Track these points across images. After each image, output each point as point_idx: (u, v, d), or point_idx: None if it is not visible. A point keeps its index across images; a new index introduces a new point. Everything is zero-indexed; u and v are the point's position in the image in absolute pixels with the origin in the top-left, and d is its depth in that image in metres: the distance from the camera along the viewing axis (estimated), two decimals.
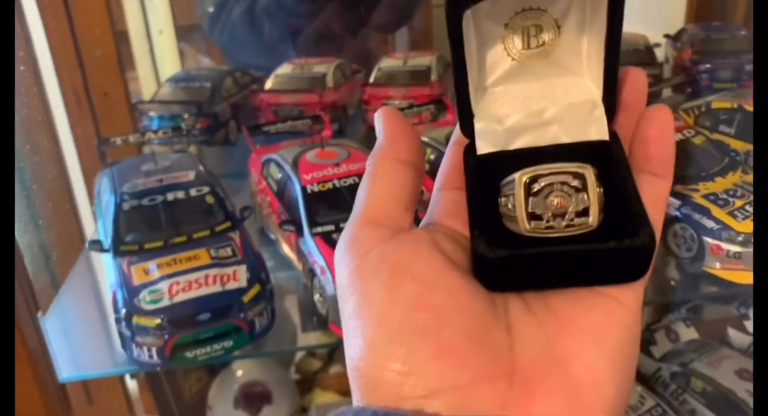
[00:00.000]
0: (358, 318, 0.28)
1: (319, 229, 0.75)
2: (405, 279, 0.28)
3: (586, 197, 0.28)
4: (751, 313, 1.19)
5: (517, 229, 0.29)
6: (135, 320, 0.66)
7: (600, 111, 0.32)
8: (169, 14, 1.47)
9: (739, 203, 0.78)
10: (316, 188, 0.79)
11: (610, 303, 0.28)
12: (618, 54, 0.31)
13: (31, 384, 0.66)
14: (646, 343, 1.21)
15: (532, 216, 0.28)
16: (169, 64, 1.46)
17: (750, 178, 0.83)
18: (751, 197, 0.79)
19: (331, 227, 0.75)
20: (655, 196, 0.30)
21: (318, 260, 0.72)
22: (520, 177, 0.29)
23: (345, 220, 0.78)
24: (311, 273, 0.74)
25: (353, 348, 0.28)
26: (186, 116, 1.09)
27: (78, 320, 0.80)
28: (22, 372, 0.65)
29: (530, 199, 0.29)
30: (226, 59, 1.55)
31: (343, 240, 0.30)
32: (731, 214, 0.77)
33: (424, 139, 0.87)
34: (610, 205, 0.29)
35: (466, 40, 0.31)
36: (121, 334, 0.68)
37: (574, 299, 0.29)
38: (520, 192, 0.29)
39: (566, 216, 0.28)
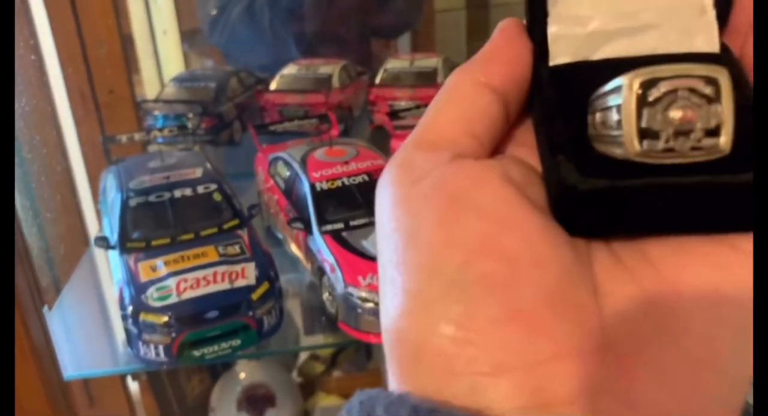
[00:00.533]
0: (401, 263, 0.22)
1: (328, 227, 0.74)
2: (467, 214, 0.22)
3: (719, 109, 0.21)
4: None
5: (621, 153, 0.22)
6: (142, 317, 0.65)
7: (710, 16, 0.25)
8: (174, 16, 1.47)
9: None
10: (325, 186, 0.78)
11: (728, 253, 0.22)
12: None
13: (35, 381, 0.65)
14: None
15: (647, 133, 0.21)
16: (173, 66, 1.46)
17: None
18: None
19: (341, 225, 0.74)
20: None
21: (327, 259, 0.71)
22: (632, 80, 0.22)
23: (355, 218, 0.77)
24: (320, 271, 0.73)
25: (392, 305, 0.22)
26: (191, 115, 1.09)
27: (82, 318, 0.79)
28: (26, 369, 0.64)
29: (644, 110, 0.21)
30: (228, 62, 1.55)
31: (389, 166, 0.24)
32: None
33: None
34: (740, 126, 0.22)
35: None
36: (127, 331, 0.67)
37: (678, 246, 0.22)
38: (630, 100, 0.21)
39: (692, 135, 0.21)
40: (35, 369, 0.63)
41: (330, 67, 1.22)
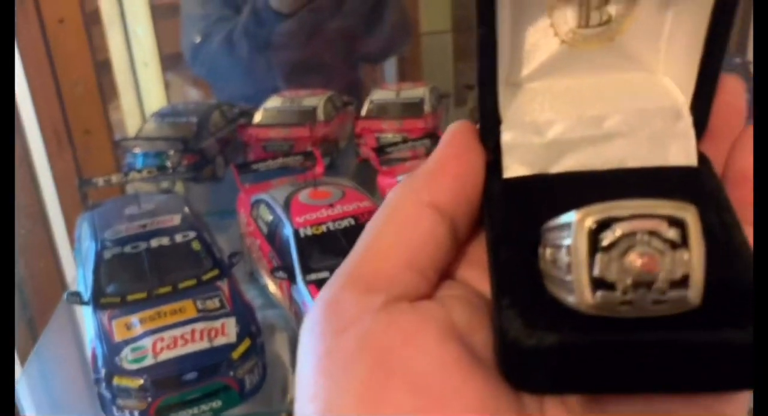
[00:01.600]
0: None
1: (313, 276, 0.71)
2: (396, 385, 0.19)
3: (686, 257, 0.18)
4: None
5: (573, 301, 0.19)
6: (116, 381, 0.61)
7: (686, 123, 0.22)
8: (154, 46, 1.45)
9: None
10: (309, 232, 0.75)
11: (700, 413, 0.20)
12: (725, 45, 0.21)
13: None
14: None
15: (601, 284, 0.18)
16: (155, 98, 1.43)
17: None
18: None
19: (327, 274, 0.70)
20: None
21: None
22: (583, 219, 0.19)
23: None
24: None
25: None
26: (172, 152, 1.06)
27: (57, 376, 0.75)
28: None
29: (597, 256, 0.18)
30: (212, 90, 1.53)
31: (317, 304, 0.21)
32: None
33: None
34: (713, 269, 0.19)
35: (501, 14, 0.22)
36: (100, 396, 0.63)
37: (641, 404, 0.20)
38: (582, 244, 0.18)
39: (655, 287, 0.18)
40: None
41: (315, 99, 1.19)
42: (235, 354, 0.64)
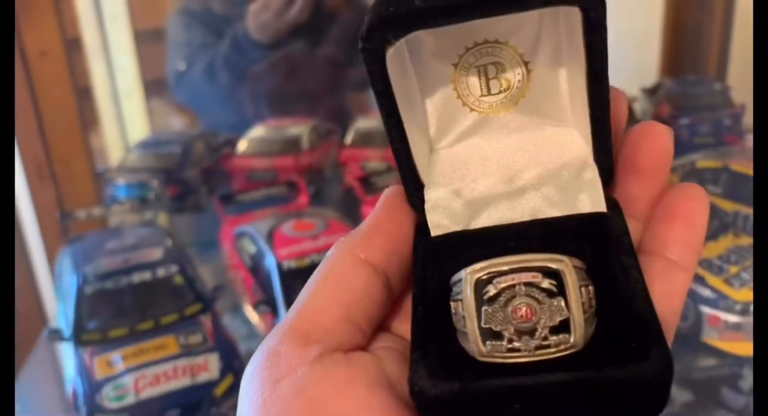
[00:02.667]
0: None
1: None
2: None
3: (563, 304, 0.20)
4: (744, 372, 1.16)
5: (470, 350, 0.21)
6: None
7: (592, 173, 0.24)
8: (138, 74, 1.45)
9: (733, 269, 0.75)
10: (293, 265, 0.74)
11: None
12: (607, 96, 0.23)
13: None
14: None
15: (489, 334, 0.21)
16: (138, 127, 1.43)
17: (742, 241, 0.81)
18: (746, 263, 0.76)
19: None
20: (670, 293, 0.23)
21: None
22: (469, 275, 0.21)
23: None
24: None
25: None
26: (155, 183, 1.05)
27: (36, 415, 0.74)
28: None
29: (484, 309, 0.21)
30: (197, 116, 1.53)
31: (256, 356, 0.23)
32: (727, 282, 0.74)
33: None
34: (607, 308, 0.21)
35: (402, 85, 0.23)
36: None
37: None
38: (469, 299, 0.21)
39: (537, 333, 0.20)
40: None
41: (299, 128, 1.19)
42: (218, 391, 0.63)
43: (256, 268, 0.79)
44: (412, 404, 0.21)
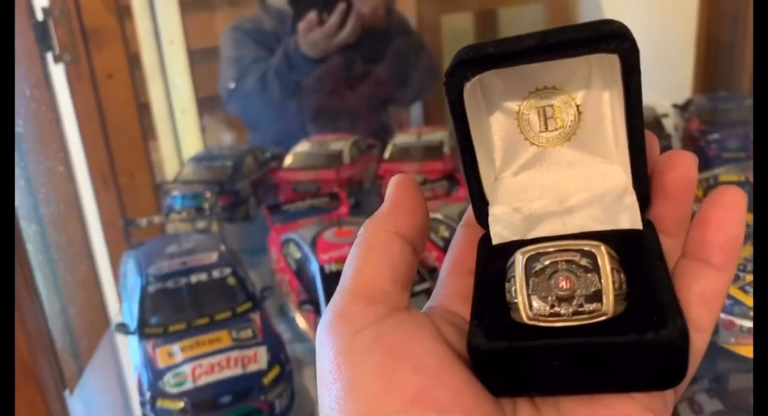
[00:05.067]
0: (341, 411, 0.24)
1: None
2: (404, 367, 0.24)
3: (597, 278, 0.25)
4: None
5: (519, 316, 0.25)
6: (159, 403, 0.68)
7: (631, 198, 0.28)
8: (191, 92, 1.54)
9: (749, 278, 0.79)
10: (334, 268, 0.81)
11: (630, 406, 0.25)
12: (642, 137, 0.27)
13: None
14: None
15: (535, 300, 0.25)
16: (192, 142, 1.52)
17: None
18: None
19: None
20: (705, 291, 0.25)
21: None
22: (521, 255, 0.26)
23: None
24: None
25: None
26: (208, 194, 1.13)
27: (102, 402, 0.82)
28: None
29: (532, 280, 0.25)
30: (247, 131, 1.60)
31: (328, 317, 0.26)
32: (742, 289, 0.78)
33: (437, 216, 0.90)
34: (635, 295, 0.25)
35: (475, 119, 0.28)
36: None
37: (587, 400, 0.25)
38: (519, 272, 0.26)
39: (574, 300, 0.25)
40: None
41: (341, 143, 1.27)
42: (266, 380, 0.70)
43: (300, 271, 0.86)
44: (465, 359, 0.25)
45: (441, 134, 1.27)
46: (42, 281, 0.85)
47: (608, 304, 0.24)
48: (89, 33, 0.98)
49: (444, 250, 0.88)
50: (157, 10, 1.44)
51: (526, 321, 0.25)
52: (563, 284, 0.25)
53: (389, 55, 1.44)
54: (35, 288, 0.65)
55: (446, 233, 0.89)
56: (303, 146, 1.27)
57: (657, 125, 1.29)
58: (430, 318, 0.27)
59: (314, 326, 0.80)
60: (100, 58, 1.02)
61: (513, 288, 0.26)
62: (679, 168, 0.27)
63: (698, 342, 0.25)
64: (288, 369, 0.73)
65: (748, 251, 0.85)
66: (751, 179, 0.95)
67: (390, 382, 0.24)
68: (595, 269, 0.25)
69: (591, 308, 0.24)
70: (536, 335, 0.25)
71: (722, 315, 0.77)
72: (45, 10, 0.92)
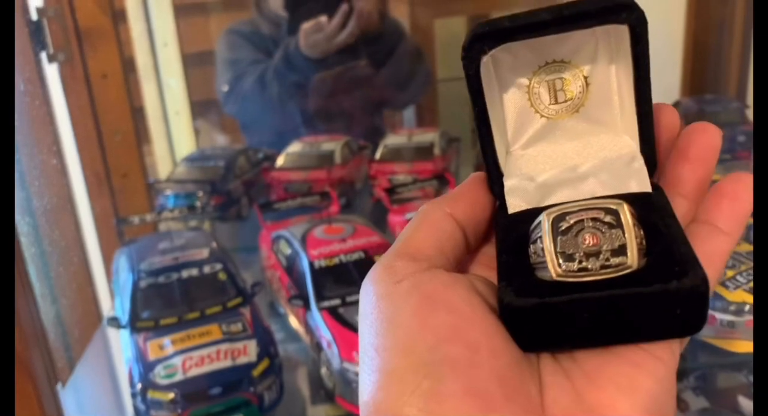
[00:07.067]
0: (380, 345, 0.26)
1: (325, 303, 0.78)
2: (439, 309, 0.26)
3: (621, 233, 0.26)
4: None
5: (549, 276, 0.26)
6: (150, 394, 0.69)
7: (639, 163, 0.29)
8: (185, 95, 1.55)
9: (730, 273, 0.81)
10: (323, 264, 0.82)
11: (641, 354, 0.26)
12: (650, 104, 0.29)
13: None
14: None
15: (563, 257, 0.26)
16: (185, 144, 1.53)
17: (741, 248, 0.86)
18: (742, 267, 0.82)
19: (338, 302, 0.78)
20: (712, 252, 0.27)
21: (324, 335, 0.75)
22: (547, 216, 0.27)
23: (351, 294, 0.81)
24: (318, 347, 0.77)
25: (369, 380, 0.25)
26: (200, 194, 1.15)
27: (93, 394, 0.83)
28: None
29: (559, 238, 0.26)
30: (242, 132, 1.61)
31: (375, 267, 0.28)
32: (722, 285, 0.79)
33: None
34: (654, 251, 0.26)
35: (488, 94, 0.29)
36: (136, 408, 0.71)
37: (601, 350, 0.27)
38: (547, 231, 0.27)
39: (601, 256, 0.26)
40: None
41: (332, 144, 1.28)
42: (256, 372, 0.71)
43: (290, 267, 0.87)
44: (497, 312, 0.27)
45: (432, 135, 1.29)
46: (34, 273, 0.86)
47: (633, 257, 0.25)
48: (83, 33, 1.00)
49: None
50: (151, 13, 1.45)
51: (555, 277, 0.26)
52: (590, 240, 0.26)
53: (391, 61, 1.46)
54: (29, 281, 0.66)
55: None
56: (295, 147, 1.29)
57: None
58: (465, 275, 0.29)
59: (303, 321, 0.82)
60: (94, 58, 1.03)
61: (540, 248, 0.27)
62: (708, 135, 0.29)
63: None
64: (277, 362, 0.74)
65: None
66: None
67: (425, 321, 0.26)
68: (619, 225, 0.26)
69: (617, 261, 0.26)
70: (565, 290, 0.26)
71: None
72: (39, 10, 0.93)
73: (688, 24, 1.59)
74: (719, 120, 1.31)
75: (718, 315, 0.78)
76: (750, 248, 0.86)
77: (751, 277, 0.80)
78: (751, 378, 1.25)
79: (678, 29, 1.60)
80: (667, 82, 1.62)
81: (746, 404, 1.25)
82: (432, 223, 0.29)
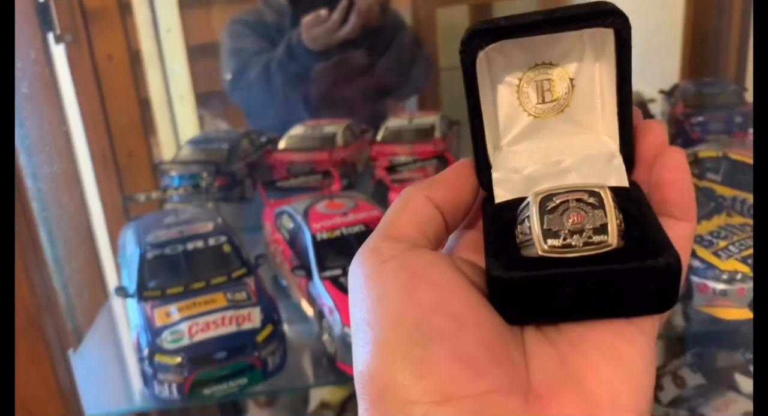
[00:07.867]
0: (371, 320, 0.27)
1: (327, 273, 0.80)
2: (424, 285, 0.28)
3: (603, 213, 0.28)
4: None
5: (535, 253, 0.28)
6: (157, 358, 0.71)
7: (618, 161, 0.32)
8: (189, 82, 1.57)
9: (722, 243, 0.83)
10: (325, 236, 0.84)
11: (622, 323, 0.28)
12: (630, 105, 0.31)
13: None
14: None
15: (548, 234, 0.28)
16: (189, 129, 1.55)
17: (734, 220, 0.88)
18: (735, 238, 0.83)
19: (339, 272, 0.80)
20: (677, 238, 0.29)
21: (327, 302, 0.77)
22: (535, 196, 0.29)
23: None
24: (320, 315, 0.79)
25: (363, 352, 0.27)
26: (205, 174, 1.17)
27: (102, 360, 0.86)
28: (53, 407, 0.69)
29: (546, 217, 0.28)
30: (246, 118, 1.63)
31: (361, 250, 0.30)
32: (715, 254, 0.81)
33: None
34: (631, 233, 0.28)
35: (482, 91, 0.31)
36: (143, 372, 0.73)
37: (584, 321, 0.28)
38: (534, 210, 0.29)
39: (584, 233, 0.28)
40: (61, 407, 0.69)
41: (335, 127, 1.30)
42: (260, 338, 0.74)
43: (293, 240, 0.89)
44: (479, 287, 0.28)
45: (433, 118, 1.30)
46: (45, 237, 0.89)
47: (613, 236, 0.28)
48: (89, 15, 1.02)
49: None
50: (155, 2, 1.47)
51: (540, 253, 0.28)
52: (574, 218, 0.28)
53: (390, 51, 1.47)
54: (39, 244, 0.68)
55: None
56: (297, 130, 1.31)
57: (643, 109, 1.33)
58: (448, 255, 0.31)
59: (306, 290, 0.84)
60: (100, 40, 1.06)
61: (527, 227, 0.29)
62: (649, 135, 0.31)
63: None
64: (280, 329, 0.77)
65: (723, 220, 0.89)
66: (730, 154, 0.98)
67: (412, 296, 0.27)
68: (601, 205, 0.28)
69: (599, 239, 0.28)
70: (549, 265, 0.28)
71: (696, 279, 0.81)
72: None
73: (687, 8, 1.60)
74: (717, 102, 1.33)
75: (711, 284, 0.80)
76: (742, 220, 0.88)
77: (743, 247, 0.82)
78: (748, 356, 1.27)
79: (678, 13, 1.61)
80: (666, 66, 1.64)
81: (742, 380, 1.27)
82: (413, 207, 0.31)
